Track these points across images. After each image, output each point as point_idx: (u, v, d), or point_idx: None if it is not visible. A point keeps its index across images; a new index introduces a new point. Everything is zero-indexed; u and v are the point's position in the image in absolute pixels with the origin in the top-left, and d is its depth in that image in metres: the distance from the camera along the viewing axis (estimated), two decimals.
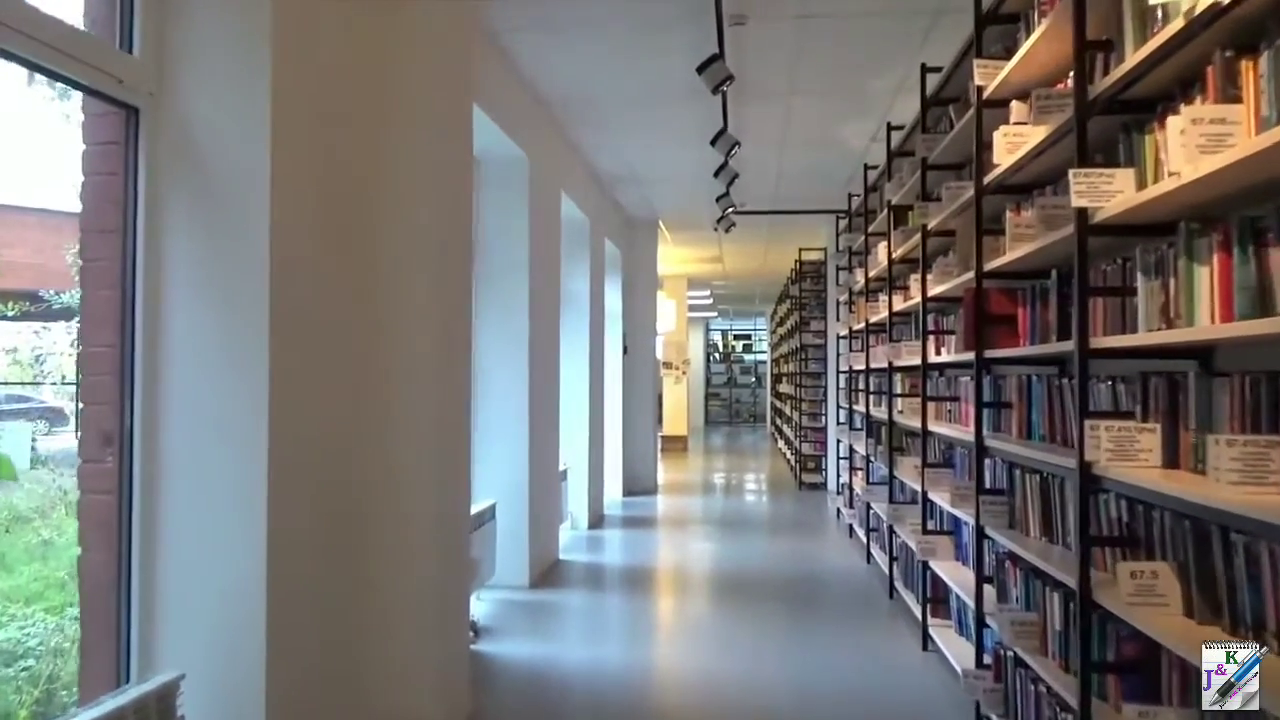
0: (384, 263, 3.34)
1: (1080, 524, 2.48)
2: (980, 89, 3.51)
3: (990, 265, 3.45)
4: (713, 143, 5.79)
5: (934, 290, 4.36)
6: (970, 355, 3.69)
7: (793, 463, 12.51)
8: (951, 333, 4.46)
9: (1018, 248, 3.11)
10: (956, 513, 3.92)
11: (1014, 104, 3.38)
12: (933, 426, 4.52)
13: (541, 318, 6.19)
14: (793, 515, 9.16)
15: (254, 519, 2.57)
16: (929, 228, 4.52)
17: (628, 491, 10.27)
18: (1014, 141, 3.17)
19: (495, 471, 5.76)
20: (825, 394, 10.81)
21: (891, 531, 5.60)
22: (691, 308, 19.63)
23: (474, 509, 5.23)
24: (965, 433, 4.02)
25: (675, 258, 13.68)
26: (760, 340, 26.30)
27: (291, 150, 2.72)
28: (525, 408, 5.77)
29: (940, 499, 4.26)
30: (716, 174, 6.66)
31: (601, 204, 8.78)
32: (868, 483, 6.65)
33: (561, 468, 7.72)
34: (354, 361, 3.16)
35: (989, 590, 3.52)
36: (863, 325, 6.95)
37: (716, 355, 26.60)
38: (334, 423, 3.01)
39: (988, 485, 3.55)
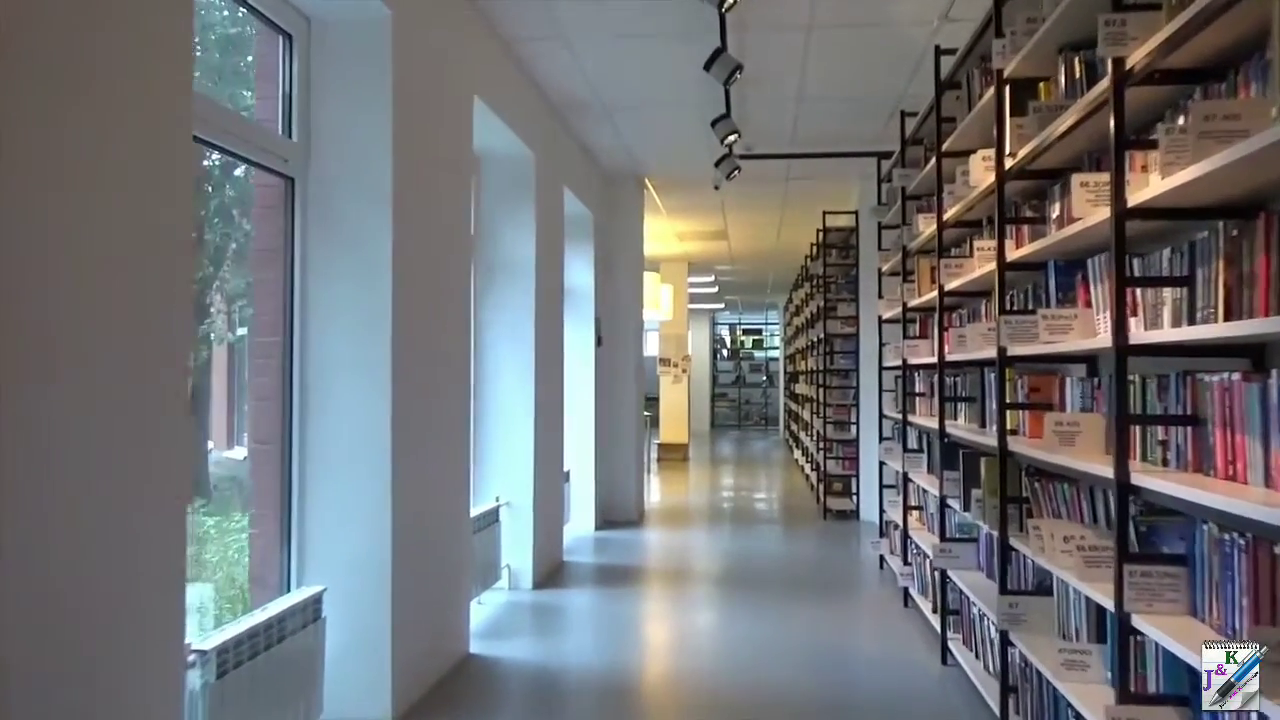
0: None
1: None
2: None
3: None
4: None
5: (1166, 187, 2.03)
6: None
7: (813, 482, 10.18)
8: (1180, 281, 2.15)
9: None
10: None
11: None
12: (1144, 479, 2.18)
13: (426, 285, 3.89)
14: (820, 563, 6.83)
15: None
16: (1131, 68, 2.19)
17: (604, 523, 7.97)
18: None
19: (334, 538, 3.46)
20: (858, 397, 8.47)
21: (1004, 640, 3.28)
22: (694, 298, 17.32)
23: (264, 614, 2.94)
24: (1253, 504, 1.71)
25: (670, 234, 11.36)
26: (772, 335, 23.95)
27: None
28: (385, 429, 3.46)
29: (1177, 641, 1.94)
30: (708, 65, 4.35)
31: (557, 140, 6.47)
32: (942, 538, 4.33)
33: (493, 504, 5.43)
34: None
35: None
36: (930, 297, 4.64)
37: (724, 352, 24.25)
38: None
39: None
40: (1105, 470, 2.31)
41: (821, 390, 9.28)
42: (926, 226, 4.67)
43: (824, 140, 6.88)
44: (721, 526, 8.53)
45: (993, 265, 3.42)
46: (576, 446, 7.65)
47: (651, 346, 18.35)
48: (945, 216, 4.22)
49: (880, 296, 6.33)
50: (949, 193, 4.11)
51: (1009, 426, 3.42)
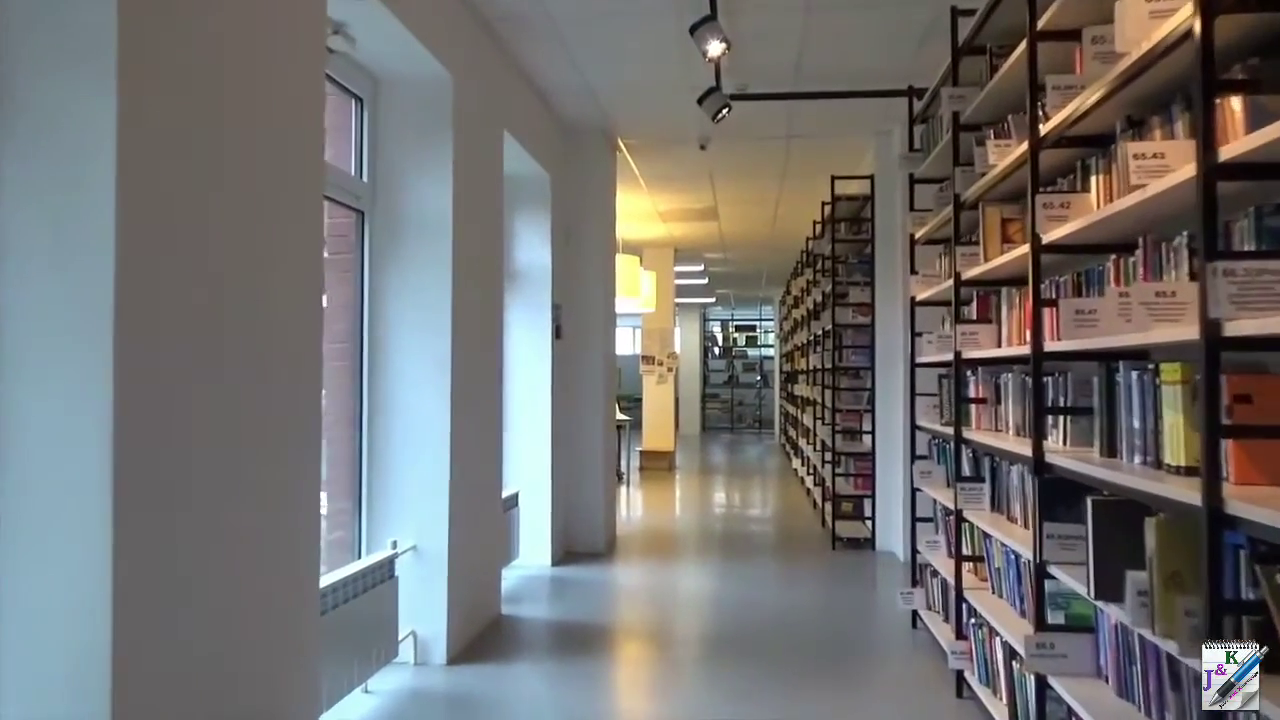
0: None
1: None
2: None
3: None
4: None
5: None
6: None
7: (817, 499, 8.71)
8: None
9: None
10: None
11: None
12: None
13: (213, 215, 2.40)
14: (834, 617, 5.33)
15: None
16: None
17: (565, 555, 6.49)
18: None
19: (19, 655, 1.96)
20: (873, 401, 7.00)
21: None
22: (683, 290, 15.88)
23: None
24: None
25: (652, 212, 9.89)
26: (767, 332, 22.50)
27: None
28: (101, 459, 1.97)
29: None
30: None
31: (489, 64, 4.99)
32: (1039, 624, 2.84)
33: (388, 552, 3.94)
34: None
35: None
36: (1008, 259, 3.18)
37: (715, 350, 22.78)
38: None
39: None
40: None
41: (828, 392, 7.81)
42: (1002, 156, 3.19)
43: (837, 76, 5.40)
44: (709, 559, 7.05)
45: (1168, 181, 1.95)
46: (528, 463, 6.19)
47: (634, 343, 16.88)
48: (1045, 129, 2.74)
49: (913, 272, 4.85)
50: (1054, 88, 2.63)
51: (1180, 461, 1.96)
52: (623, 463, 11.09)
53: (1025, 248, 2.92)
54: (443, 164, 4.22)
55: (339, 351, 4.19)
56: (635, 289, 9.37)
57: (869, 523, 7.05)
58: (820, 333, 8.66)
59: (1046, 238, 2.72)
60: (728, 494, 11.01)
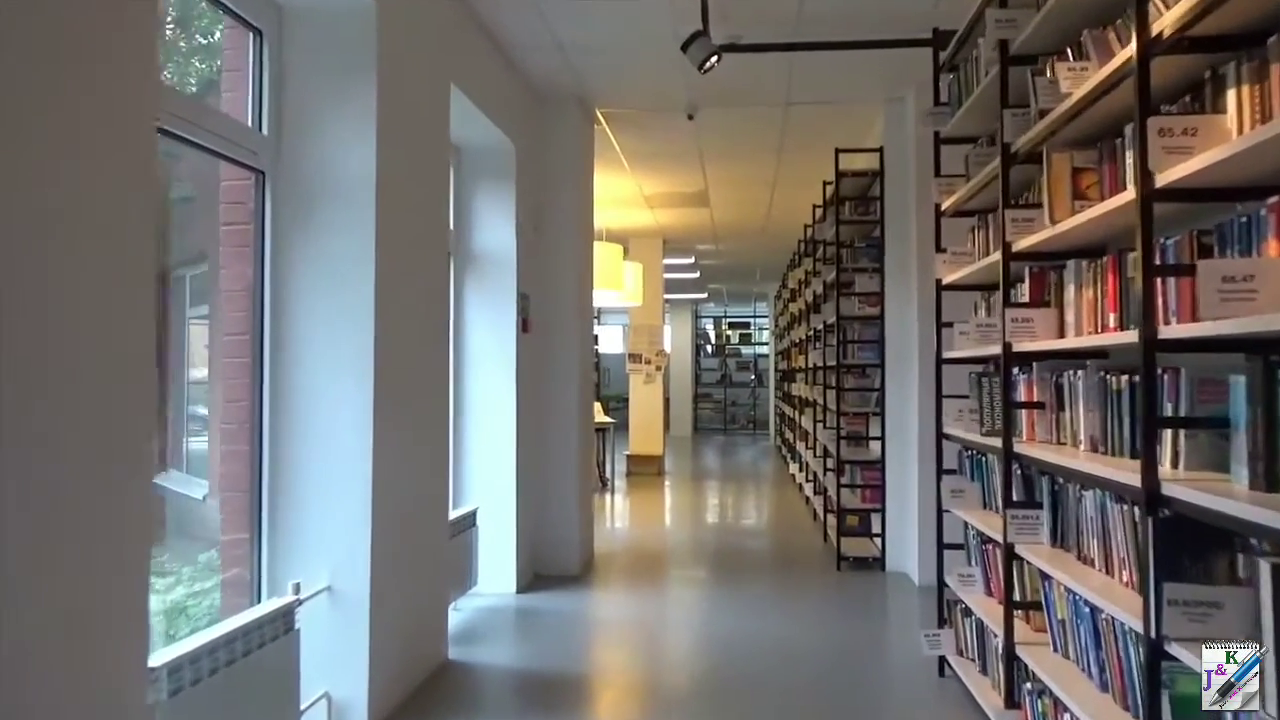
0: None
1: None
2: None
3: None
4: None
5: None
6: None
7: (817, 509, 7.91)
8: None
9: None
10: None
11: None
12: None
13: None
14: (845, 661, 4.51)
15: None
16: None
17: (532, 580, 5.69)
18: None
19: None
20: (883, 403, 6.21)
21: None
22: (673, 285, 15.09)
23: None
24: None
25: (637, 197, 9.08)
26: (761, 329, 21.71)
27: None
28: None
29: None
30: None
31: (433, 6, 4.18)
32: (1138, 708, 2.05)
33: (287, 599, 3.11)
34: None
35: None
36: (1097, 216, 2.39)
37: (708, 348, 21.97)
38: None
39: None
40: None
41: (830, 393, 7.01)
42: (1078, 83, 2.40)
43: (846, 24, 4.60)
44: (700, 581, 6.24)
45: None
46: (489, 475, 5.38)
47: (622, 341, 16.13)
48: (1160, 25, 1.95)
49: (940, 250, 4.05)
50: None
51: None
52: (607, 468, 10.30)
53: (1123, 197, 2.13)
54: (364, 115, 3.41)
55: (236, 345, 3.40)
56: (618, 281, 8.59)
57: (878, 540, 6.26)
58: (821, 327, 7.87)
59: (1162, 179, 1.93)
60: (721, 502, 10.20)
